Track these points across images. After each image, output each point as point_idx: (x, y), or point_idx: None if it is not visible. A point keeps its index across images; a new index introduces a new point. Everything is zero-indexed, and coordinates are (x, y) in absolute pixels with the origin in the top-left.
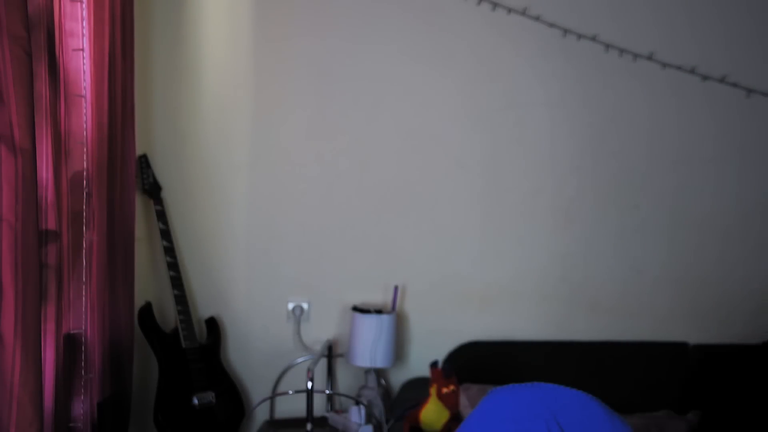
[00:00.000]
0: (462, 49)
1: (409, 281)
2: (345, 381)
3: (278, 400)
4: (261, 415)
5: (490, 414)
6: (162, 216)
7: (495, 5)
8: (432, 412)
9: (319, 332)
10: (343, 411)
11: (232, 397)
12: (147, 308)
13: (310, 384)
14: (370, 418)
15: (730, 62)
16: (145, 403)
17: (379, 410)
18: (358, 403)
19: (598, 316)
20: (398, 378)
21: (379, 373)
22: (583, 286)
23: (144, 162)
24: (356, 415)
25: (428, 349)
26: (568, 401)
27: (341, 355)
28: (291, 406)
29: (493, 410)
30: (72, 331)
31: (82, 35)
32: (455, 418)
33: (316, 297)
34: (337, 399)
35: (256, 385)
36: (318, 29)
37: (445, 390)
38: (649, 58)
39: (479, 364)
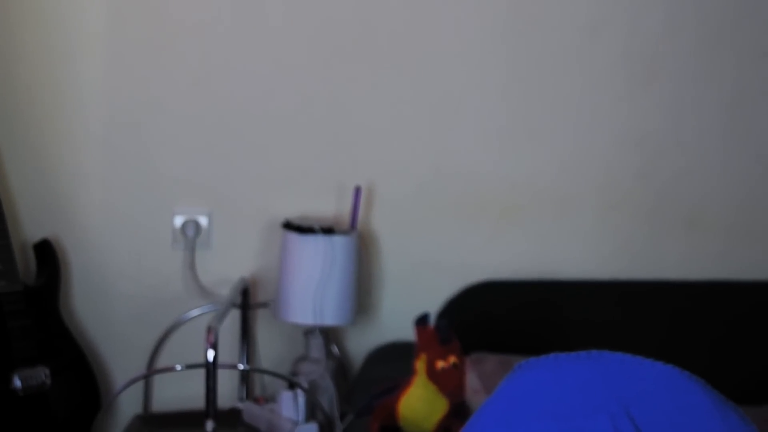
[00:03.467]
0: None
1: (379, 180)
2: (271, 349)
3: (157, 381)
4: (129, 405)
5: (518, 405)
6: None
7: None
8: (419, 400)
9: (228, 266)
10: (269, 399)
11: (79, 376)
12: None
13: (211, 354)
14: (313, 410)
15: None
16: None
17: (328, 397)
18: (292, 385)
19: (700, 240)
20: (361, 344)
21: (330, 335)
22: (677, 188)
23: None
24: (290, 405)
25: (412, 296)
26: (648, 383)
27: (265, 306)
28: (179, 392)
29: (523, 399)
30: None
31: None
32: (458, 412)
33: (222, 206)
34: (257, 379)
35: (120, 355)
36: None
37: (440, 364)
38: None
39: (499, 320)
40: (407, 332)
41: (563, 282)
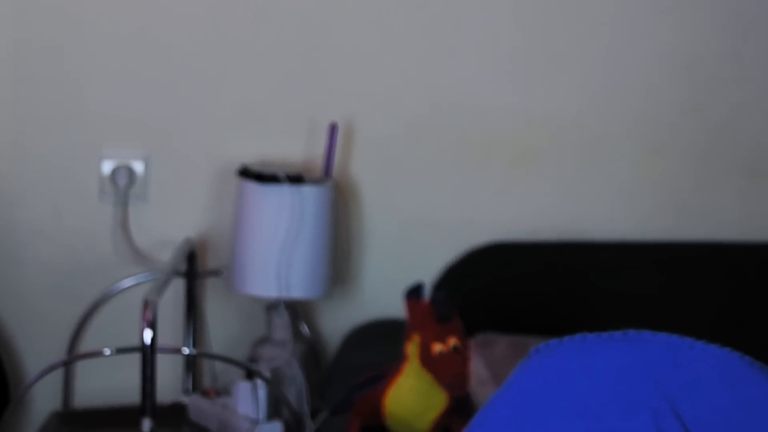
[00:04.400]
0: None
1: (361, 115)
2: (225, 329)
3: (81, 369)
4: (45, 399)
5: (535, 399)
6: None
7: None
8: (410, 393)
9: (169, 225)
10: (221, 392)
11: None
12: None
13: (148, 335)
14: (276, 406)
15: None
16: None
17: (296, 390)
18: (251, 375)
19: (764, 191)
20: (338, 322)
21: (299, 312)
22: (736, 126)
23: None
24: (247, 399)
25: (402, 262)
26: (700, 372)
27: (216, 274)
28: (107, 382)
29: (541, 392)
30: None
31: None
32: (459, 408)
33: (163, 149)
34: (207, 367)
35: (33, 337)
36: None
37: (438, 348)
38: None
39: (511, 292)
40: (396, 308)
41: (592, 244)
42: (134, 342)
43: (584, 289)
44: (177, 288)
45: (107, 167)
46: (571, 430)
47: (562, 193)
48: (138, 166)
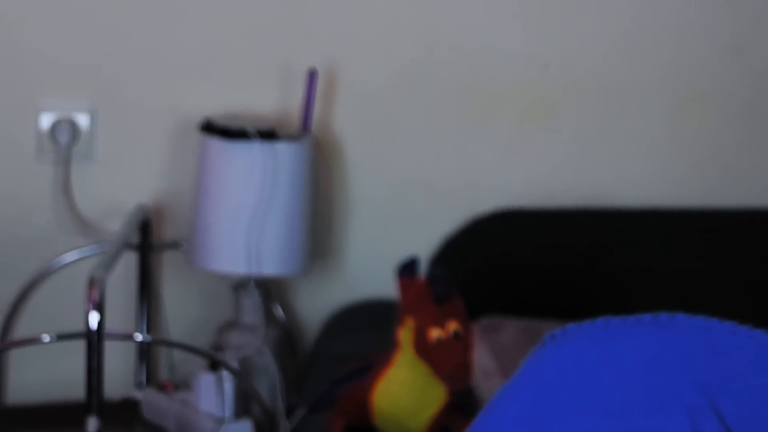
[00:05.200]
0: None
1: (344, 60)
2: (185, 312)
3: (15, 359)
4: None
5: (550, 395)
6: None
7: None
8: (403, 388)
9: (119, 188)
10: (180, 386)
11: None
12: None
13: (94, 319)
14: (246, 402)
15: None
16: None
17: (269, 383)
18: (216, 365)
19: None
20: (318, 304)
21: (272, 291)
22: None
23: None
24: (211, 394)
25: (393, 232)
26: (743, 363)
27: (175, 247)
28: (47, 374)
29: (558, 385)
30: None
31: None
32: (461, 404)
33: (111, 99)
34: (164, 356)
35: None
36: None
37: (435, 333)
38: None
39: (522, 268)
40: (386, 287)
41: (616, 211)
42: (78, 327)
43: (608, 264)
44: (128, 263)
45: (46, 121)
46: (593, 430)
47: (582, 151)
48: (82, 120)
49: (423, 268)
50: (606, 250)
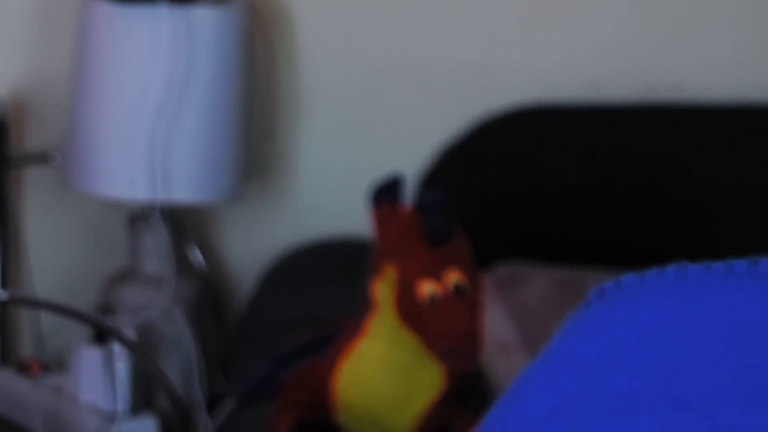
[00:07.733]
0: None
1: None
2: (59, 255)
3: None
4: None
5: (602, 379)
6: None
7: None
8: (380, 367)
9: None
10: (51, 366)
11: None
12: None
13: None
14: (148, 389)
15: None
16: None
17: (183, 361)
18: (103, 335)
19: None
20: (255, 245)
21: (187, 227)
22: None
23: None
24: (97, 377)
25: (363, 140)
26: None
27: (43, 160)
28: None
29: (613, 366)
30: None
31: None
32: (465, 393)
33: None
34: (27, 322)
35: None
36: None
37: (428, 288)
38: None
39: (554, 188)
40: (353, 219)
41: (690, 107)
42: None
43: (681, 184)
44: None
45: None
46: (664, 430)
47: (638, 21)
48: None
49: (410, 193)
50: (677, 164)
